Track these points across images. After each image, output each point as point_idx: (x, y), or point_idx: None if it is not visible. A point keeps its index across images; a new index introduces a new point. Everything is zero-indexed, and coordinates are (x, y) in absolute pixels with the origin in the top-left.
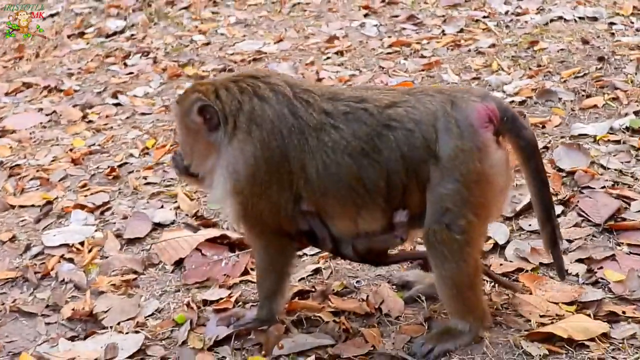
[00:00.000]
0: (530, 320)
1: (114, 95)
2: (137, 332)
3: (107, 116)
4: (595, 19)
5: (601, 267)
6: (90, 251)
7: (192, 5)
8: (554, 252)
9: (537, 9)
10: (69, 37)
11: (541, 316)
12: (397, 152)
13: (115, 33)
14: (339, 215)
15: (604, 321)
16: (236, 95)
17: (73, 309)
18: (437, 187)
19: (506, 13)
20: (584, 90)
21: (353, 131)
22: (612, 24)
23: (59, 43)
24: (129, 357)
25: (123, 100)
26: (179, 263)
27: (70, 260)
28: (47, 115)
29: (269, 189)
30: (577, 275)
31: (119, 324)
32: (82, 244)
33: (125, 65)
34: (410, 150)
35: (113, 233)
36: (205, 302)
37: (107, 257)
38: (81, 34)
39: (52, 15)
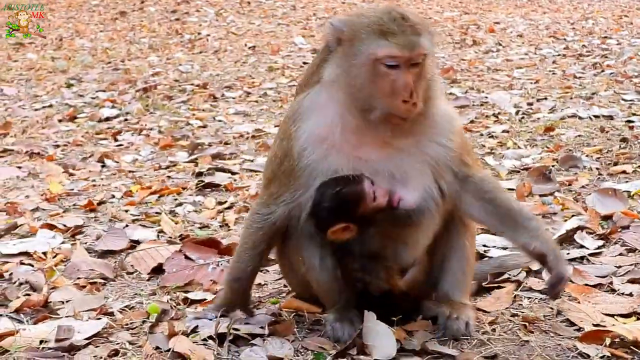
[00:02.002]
0: (582, 329)
1: (100, 160)
2: (99, 319)
3: (90, 171)
4: (611, 117)
5: None
6: (54, 257)
7: (190, 100)
8: None
9: (550, 109)
10: (59, 121)
11: (595, 325)
12: None
13: (108, 118)
14: None
15: None
16: None
17: (24, 301)
18: None
19: (517, 113)
20: (610, 161)
21: None
22: (629, 121)
23: (48, 124)
24: (86, 339)
25: (109, 163)
26: (157, 270)
27: (30, 265)
28: (25, 171)
29: None
30: (630, 294)
31: (78, 313)
32: (45, 254)
33: (116, 139)
34: None
35: (84, 247)
36: (187, 301)
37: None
38: (72, 119)
39: (44, 107)
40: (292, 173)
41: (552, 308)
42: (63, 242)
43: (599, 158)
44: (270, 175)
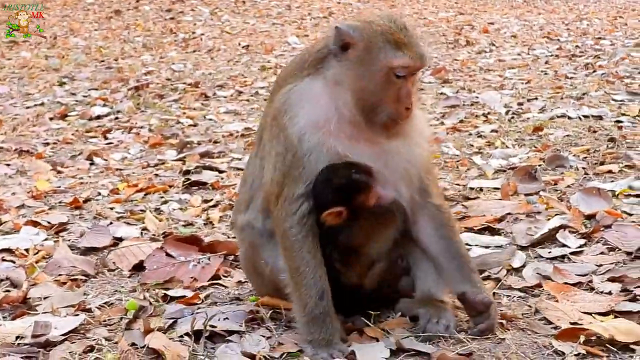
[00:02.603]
0: (559, 327)
1: (89, 158)
2: (76, 315)
3: (78, 169)
4: (600, 117)
5: (639, 287)
6: (36, 254)
7: (182, 98)
8: None
9: (540, 109)
10: (50, 119)
11: (572, 323)
12: None
13: (99, 117)
14: None
15: None
16: None
17: (2, 297)
18: None
19: (507, 113)
20: (597, 161)
21: None
22: (618, 121)
23: (39, 122)
24: (63, 334)
25: (98, 161)
26: (138, 268)
27: (11, 261)
28: (13, 169)
29: None
30: (610, 292)
31: (57, 309)
32: (27, 250)
33: (106, 138)
34: None
35: (67, 244)
36: (166, 297)
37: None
38: (63, 117)
39: (36, 105)
40: (299, 162)
41: (530, 306)
42: (46, 239)
43: (585, 158)
44: (279, 177)
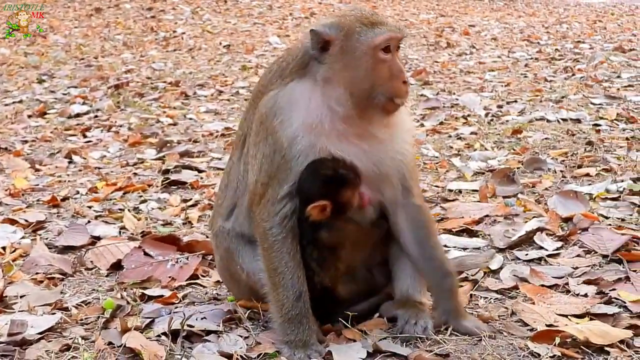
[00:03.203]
0: (535, 329)
1: (68, 156)
2: (53, 314)
3: (57, 167)
4: (578, 120)
5: (614, 289)
6: (13, 252)
7: (162, 97)
8: None
9: (519, 112)
10: (29, 116)
11: (547, 325)
12: None
13: (78, 115)
14: None
15: None
16: None
17: None
18: None
19: (486, 115)
20: (575, 164)
21: None
22: (596, 124)
23: (17, 119)
24: (39, 333)
25: (77, 160)
26: (116, 267)
27: None
28: None
29: None
30: (585, 295)
31: (33, 308)
32: (4, 248)
33: (85, 136)
34: None
35: (44, 242)
36: (144, 297)
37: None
38: (42, 114)
39: (14, 102)
40: (287, 165)
41: (506, 308)
42: (23, 237)
43: (563, 161)
44: (264, 179)
